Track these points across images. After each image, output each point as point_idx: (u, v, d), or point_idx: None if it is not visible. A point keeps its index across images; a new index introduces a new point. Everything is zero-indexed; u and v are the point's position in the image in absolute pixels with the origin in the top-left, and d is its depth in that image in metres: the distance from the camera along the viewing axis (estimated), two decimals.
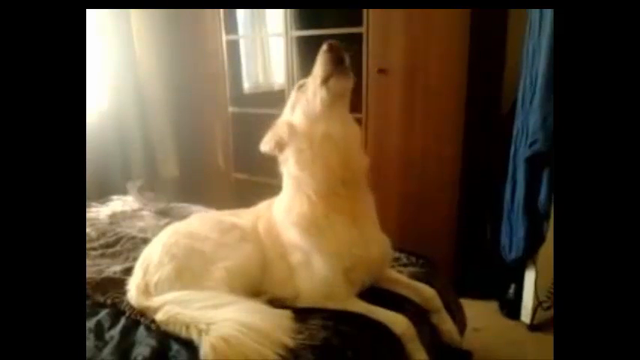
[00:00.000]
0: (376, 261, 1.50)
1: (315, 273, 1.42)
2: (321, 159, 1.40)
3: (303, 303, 1.41)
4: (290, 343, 1.20)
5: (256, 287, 1.43)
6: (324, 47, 1.40)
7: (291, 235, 1.46)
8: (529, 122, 2.06)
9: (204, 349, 1.16)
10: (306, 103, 1.44)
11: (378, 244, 1.51)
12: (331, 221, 1.41)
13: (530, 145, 2.04)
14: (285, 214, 1.49)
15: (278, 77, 3.33)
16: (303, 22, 2.93)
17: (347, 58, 1.41)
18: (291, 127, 1.46)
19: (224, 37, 3.20)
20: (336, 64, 1.39)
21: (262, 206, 1.66)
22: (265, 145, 1.50)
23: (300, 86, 1.49)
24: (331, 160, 1.40)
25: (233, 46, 3.29)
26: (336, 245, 1.41)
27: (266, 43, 3.47)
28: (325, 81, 1.40)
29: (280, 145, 1.47)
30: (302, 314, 1.35)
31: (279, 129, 1.49)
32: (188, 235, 1.53)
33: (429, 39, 2.40)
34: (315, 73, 1.43)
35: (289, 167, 1.47)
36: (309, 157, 1.41)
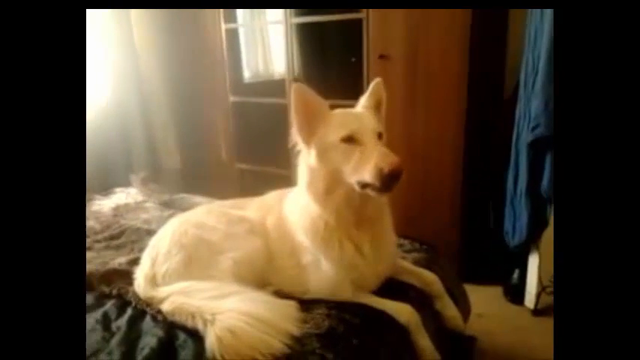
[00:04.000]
0: (383, 274, 1.49)
1: (322, 275, 1.42)
2: (336, 210, 1.36)
3: (311, 297, 1.42)
4: (295, 331, 1.21)
5: (262, 278, 1.44)
6: (385, 168, 1.21)
7: (302, 238, 1.44)
8: (531, 106, 2.04)
9: (210, 341, 1.17)
10: (340, 164, 1.31)
11: (386, 260, 1.49)
12: (341, 244, 1.39)
13: (533, 130, 2.02)
14: (297, 218, 1.46)
15: (278, 66, 3.31)
16: (303, 9, 2.91)
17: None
18: (321, 155, 1.34)
19: (223, 26, 3.18)
20: (384, 187, 1.25)
21: (271, 198, 1.64)
22: (298, 113, 1.35)
23: (349, 139, 1.29)
24: (345, 215, 1.37)
25: (232, 35, 3.27)
26: (342, 261, 1.39)
27: (265, 32, 3.45)
28: (364, 186, 1.28)
29: (304, 146, 1.38)
30: (306, 304, 1.36)
31: (316, 133, 1.35)
32: (197, 224, 1.54)
33: (430, 24, 2.38)
34: (363, 163, 1.25)
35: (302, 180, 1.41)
36: (325, 201, 1.36)
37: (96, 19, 2.92)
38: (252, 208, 1.64)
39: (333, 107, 1.41)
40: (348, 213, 1.37)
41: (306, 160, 1.38)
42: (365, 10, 2.51)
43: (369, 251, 1.41)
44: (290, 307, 1.30)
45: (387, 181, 1.22)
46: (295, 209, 1.48)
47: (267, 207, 1.60)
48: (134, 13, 3.18)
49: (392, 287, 1.50)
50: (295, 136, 1.38)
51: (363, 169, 1.25)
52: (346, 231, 1.39)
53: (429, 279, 1.58)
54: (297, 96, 1.33)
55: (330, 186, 1.34)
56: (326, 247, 1.40)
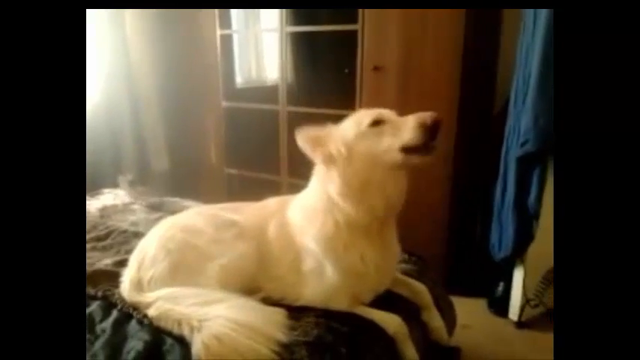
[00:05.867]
0: (382, 288, 1.49)
1: (323, 283, 1.40)
2: (369, 202, 1.34)
3: (303, 304, 1.41)
4: (283, 339, 1.20)
5: (251, 285, 1.42)
6: (427, 119, 1.26)
7: (309, 243, 1.41)
8: (521, 122, 2.07)
9: (197, 348, 1.16)
10: (374, 148, 1.31)
11: (388, 276, 1.50)
12: (352, 252, 1.38)
13: (522, 145, 2.06)
14: (305, 222, 1.43)
15: (271, 73, 3.32)
16: (298, 18, 2.93)
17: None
18: (349, 153, 1.33)
19: (218, 31, 3.18)
20: (429, 141, 1.27)
21: (272, 205, 1.60)
22: (306, 145, 1.37)
23: (377, 122, 1.32)
24: (378, 206, 1.35)
25: (227, 41, 3.27)
26: (348, 269, 1.38)
27: (260, 38, 3.46)
28: (407, 150, 1.28)
29: (327, 161, 1.36)
30: (295, 312, 1.35)
31: (333, 143, 1.35)
32: (184, 229, 1.52)
33: (424, 37, 2.41)
34: (400, 130, 1.29)
35: (328, 187, 1.36)
36: (358, 197, 1.33)
37: (89, 21, 2.91)
38: (248, 212, 1.59)
39: (325, 116, 1.41)
40: (381, 205, 1.34)
41: (332, 171, 1.35)
42: (360, 22, 2.53)
43: (375, 264, 1.40)
44: (278, 314, 1.29)
45: (432, 132, 1.26)
46: (303, 214, 1.45)
47: (268, 213, 1.55)
48: (128, 14, 3.17)
49: (382, 296, 1.50)
50: (320, 163, 1.38)
51: (404, 130, 1.28)
52: (367, 234, 1.38)
53: (419, 289, 1.58)
54: (303, 143, 1.36)
55: (366, 176, 1.32)
56: (335, 250, 1.37)
